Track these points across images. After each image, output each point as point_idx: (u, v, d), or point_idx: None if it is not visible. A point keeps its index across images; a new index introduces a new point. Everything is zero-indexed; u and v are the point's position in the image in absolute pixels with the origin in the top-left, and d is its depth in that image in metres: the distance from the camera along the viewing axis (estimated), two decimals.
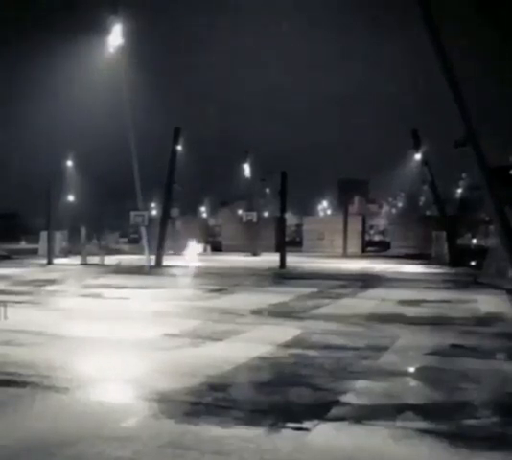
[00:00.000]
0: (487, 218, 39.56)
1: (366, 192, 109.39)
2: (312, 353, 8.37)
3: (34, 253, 35.42)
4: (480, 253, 25.46)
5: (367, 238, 54.21)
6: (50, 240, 30.56)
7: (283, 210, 29.85)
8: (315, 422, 5.43)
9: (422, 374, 7.45)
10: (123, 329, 10.36)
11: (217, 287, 17.61)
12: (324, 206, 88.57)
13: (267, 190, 69.97)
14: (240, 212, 56.67)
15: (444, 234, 32.37)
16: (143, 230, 27.19)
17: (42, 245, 34.48)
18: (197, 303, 14.06)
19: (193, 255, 32.21)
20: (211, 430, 5.18)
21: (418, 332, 10.33)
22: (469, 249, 37.08)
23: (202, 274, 23.43)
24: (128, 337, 9.51)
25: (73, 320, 11.29)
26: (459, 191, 69.42)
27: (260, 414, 5.63)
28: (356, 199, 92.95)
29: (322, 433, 5.18)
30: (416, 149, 33.21)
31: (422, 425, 5.40)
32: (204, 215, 78.75)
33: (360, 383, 6.79)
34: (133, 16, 25.96)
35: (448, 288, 18.40)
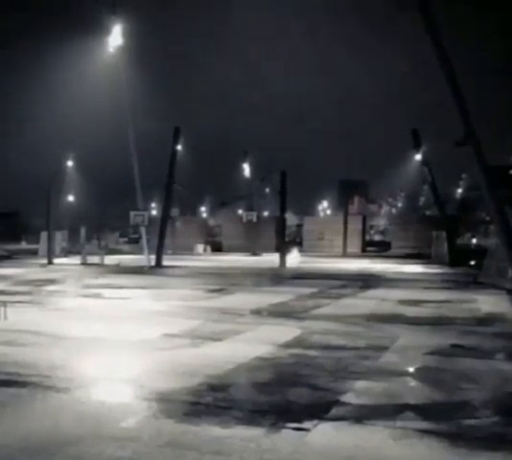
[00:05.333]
0: (487, 218, 39.64)
1: (366, 192, 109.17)
2: (312, 353, 8.37)
3: (34, 253, 35.41)
4: (480, 253, 25.43)
5: (367, 238, 54.18)
6: (50, 240, 30.56)
7: (283, 210, 29.87)
8: (315, 422, 5.43)
9: (422, 374, 7.45)
10: (122, 329, 10.36)
11: (216, 287, 17.61)
12: (324, 206, 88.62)
13: (267, 190, 70.04)
14: (240, 212, 56.70)
15: (444, 234, 32.36)
16: (143, 230, 27.21)
17: (42, 245, 34.47)
18: (197, 303, 14.07)
19: (295, 256, 35.14)
20: (211, 430, 5.18)
21: (418, 332, 10.33)
22: (469, 249, 37.11)
23: (202, 274, 23.44)
24: (127, 337, 9.52)
25: (73, 320, 11.29)
26: (459, 191, 69.53)
27: (260, 414, 5.63)
28: (356, 199, 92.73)
29: (322, 433, 5.18)
30: (416, 149, 33.21)
31: (422, 425, 5.40)
32: (204, 215, 78.78)
33: (360, 383, 6.79)
34: (133, 16, 25.98)
35: (448, 288, 18.40)
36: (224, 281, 19.97)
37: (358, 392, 6.43)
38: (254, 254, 40.96)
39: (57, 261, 29.81)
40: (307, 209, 78.55)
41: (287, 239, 34.02)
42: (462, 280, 21.07)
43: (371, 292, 17.14)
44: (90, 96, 30.00)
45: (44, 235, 33.47)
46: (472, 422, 5.52)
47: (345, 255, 40.67)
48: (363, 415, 5.63)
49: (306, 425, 5.35)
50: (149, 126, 34.10)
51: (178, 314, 12.08)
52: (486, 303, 14.51)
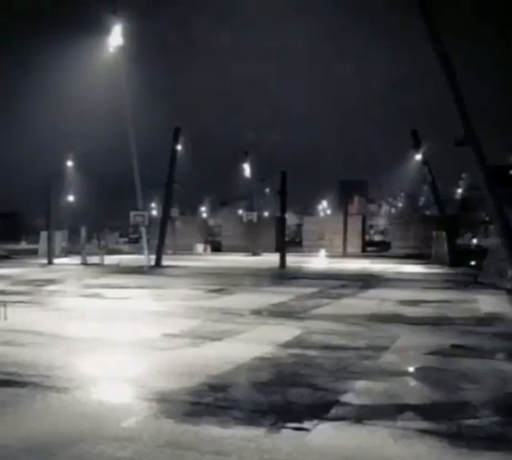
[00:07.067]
0: (487, 218, 39.62)
1: (366, 192, 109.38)
2: (312, 353, 8.37)
3: (34, 253, 35.42)
4: (480, 253, 25.44)
5: (367, 238, 54.18)
6: (50, 240, 30.56)
7: (283, 210, 29.84)
8: (315, 422, 5.43)
9: (422, 374, 7.45)
10: (123, 329, 10.36)
11: (216, 287, 17.61)
12: (324, 206, 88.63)
13: (267, 190, 70.09)
14: (240, 212, 56.75)
15: (444, 234, 32.36)
16: (143, 230, 27.21)
17: (42, 245, 34.49)
18: (197, 303, 14.06)
19: (323, 257, 38.25)
20: (211, 430, 5.18)
21: (418, 332, 10.33)
22: (469, 249, 37.08)
23: (202, 274, 23.44)
24: (127, 337, 9.51)
25: (73, 320, 11.29)
26: (459, 191, 69.57)
27: (260, 414, 5.63)
28: (356, 199, 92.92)
29: (322, 433, 5.18)
30: (416, 148, 33.20)
31: (422, 425, 5.39)
32: (204, 215, 78.80)
33: (360, 383, 6.79)
34: (133, 16, 25.98)
35: (448, 288, 18.39)
36: (224, 281, 19.98)
37: (358, 392, 6.43)
38: (254, 254, 40.96)
39: (56, 261, 29.81)
40: (307, 209, 78.67)
41: (287, 239, 34.03)
42: (462, 280, 21.06)
43: (371, 292, 17.14)
44: (90, 96, 30.01)
45: (44, 235, 33.48)
46: (472, 422, 5.52)
47: (345, 255, 40.69)
48: (363, 415, 5.63)
49: (306, 425, 5.35)
50: (149, 126, 34.11)
51: (178, 314, 12.08)
52: (486, 303, 14.50)
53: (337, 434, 5.17)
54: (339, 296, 15.80)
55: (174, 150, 29.77)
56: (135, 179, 26.38)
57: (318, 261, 34.16)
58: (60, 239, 36.44)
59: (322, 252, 41.80)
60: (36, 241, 37.94)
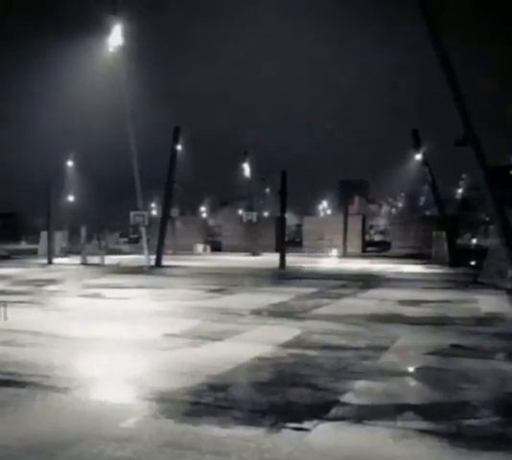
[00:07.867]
0: (487, 218, 39.62)
1: (366, 192, 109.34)
2: (312, 353, 8.37)
3: (34, 253, 35.41)
4: (480, 253, 25.43)
5: (367, 238, 54.15)
6: (50, 240, 30.56)
7: (283, 210, 29.82)
8: (315, 422, 5.43)
9: (422, 374, 7.45)
10: (122, 329, 10.36)
11: (216, 287, 17.61)
12: (324, 206, 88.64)
13: (268, 190, 70.17)
14: (240, 212, 56.76)
15: (444, 234, 32.35)
16: (143, 230, 27.20)
17: (42, 245, 34.48)
18: (197, 303, 14.07)
19: (333, 256, 39.71)
20: (211, 430, 5.18)
21: (418, 332, 10.33)
22: (469, 249, 37.07)
23: (202, 274, 23.44)
24: (127, 337, 9.51)
25: (73, 320, 11.29)
26: (459, 191, 69.56)
27: (260, 414, 5.63)
28: (356, 199, 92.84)
29: (322, 433, 5.18)
30: (416, 148, 33.20)
31: (422, 425, 5.39)
32: (204, 215, 78.80)
33: (360, 383, 6.79)
34: (133, 16, 25.99)
35: (448, 288, 18.39)
36: (224, 281, 19.97)
37: (358, 392, 6.43)
38: (254, 254, 40.95)
39: (56, 261, 29.81)
40: (307, 209, 78.66)
41: (287, 239, 34.02)
42: (462, 280, 21.06)
43: (371, 292, 17.13)
44: (90, 96, 30.01)
45: (44, 235, 33.47)
46: (472, 422, 5.52)
47: (345, 255, 40.67)
48: (363, 415, 5.63)
49: (306, 425, 5.35)
50: (149, 126, 34.10)
51: (179, 314, 12.08)
52: (486, 303, 14.50)
53: (337, 434, 5.17)
54: (339, 296, 15.79)
55: (173, 150, 29.76)
56: (135, 179, 26.38)
57: (320, 261, 34.12)
58: (60, 239, 36.43)
59: (334, 252, 42.05)
60: (36, 241, 37.92)
